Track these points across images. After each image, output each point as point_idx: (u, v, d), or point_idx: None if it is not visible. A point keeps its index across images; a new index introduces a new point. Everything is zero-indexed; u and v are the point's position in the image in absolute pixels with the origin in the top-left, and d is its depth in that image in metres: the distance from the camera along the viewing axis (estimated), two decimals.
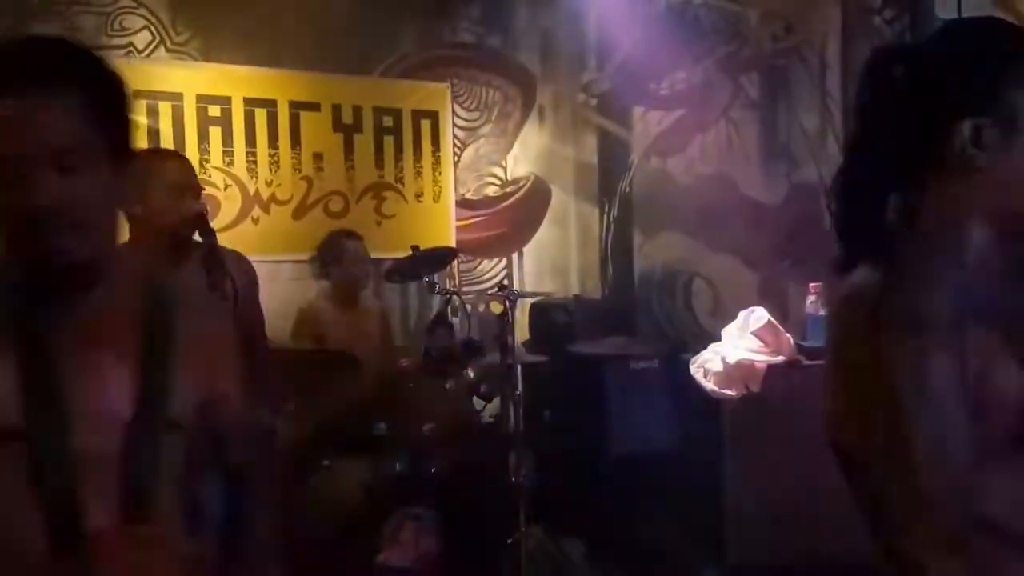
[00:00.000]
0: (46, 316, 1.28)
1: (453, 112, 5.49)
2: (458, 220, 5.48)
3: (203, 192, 2.96)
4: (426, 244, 5.21)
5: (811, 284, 3.85)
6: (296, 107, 5.01)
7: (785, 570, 3.32)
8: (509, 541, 3.53)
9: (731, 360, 3.49)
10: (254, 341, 2.93)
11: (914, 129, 1.26)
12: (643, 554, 3.90)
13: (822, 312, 3.63)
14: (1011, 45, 1.27)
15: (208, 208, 2.93)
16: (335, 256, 4.11)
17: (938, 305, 1.16)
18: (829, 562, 3.04)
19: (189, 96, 4.72)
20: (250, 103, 4.88)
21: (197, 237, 2.68)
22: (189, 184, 2.76)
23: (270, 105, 4.94)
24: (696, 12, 5.02)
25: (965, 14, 4.12)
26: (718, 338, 3.98)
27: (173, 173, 2.74)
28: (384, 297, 4.72)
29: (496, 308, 4.49)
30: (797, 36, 4.53)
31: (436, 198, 5.44)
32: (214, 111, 4.79)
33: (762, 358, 3.48)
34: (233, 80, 4.83)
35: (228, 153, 4.81)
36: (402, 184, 5.33)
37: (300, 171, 5.00)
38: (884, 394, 1.16)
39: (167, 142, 4.57)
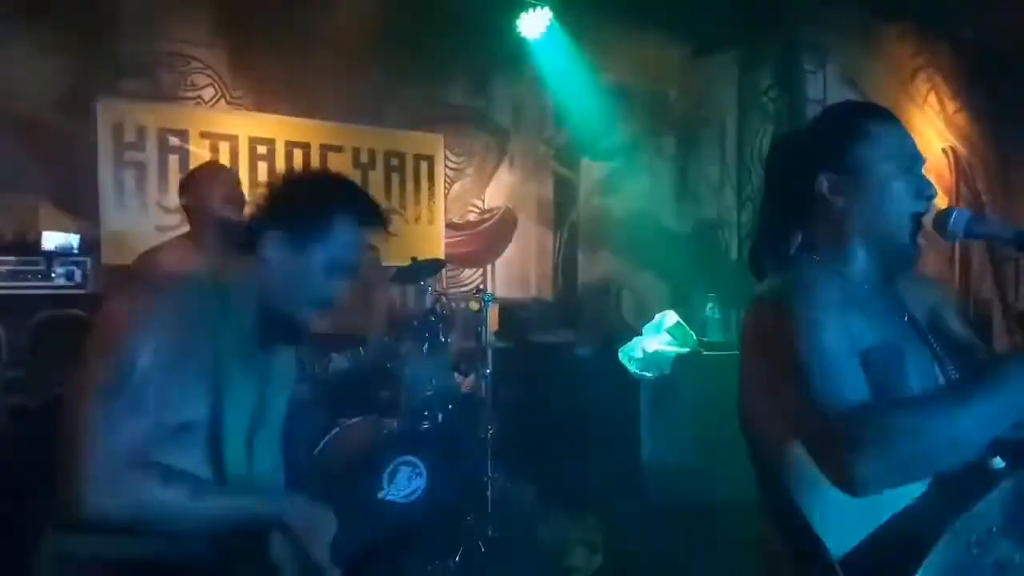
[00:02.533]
0: None
1: (445, 157, 5.48)
2: (446, 238, 5.46)
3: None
4: (422, 256, 5.24)
5: (710, 294, 3.89)
6: (325, 148, 4.98)
7: (689, 510, 3.28)
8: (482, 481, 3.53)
9: (649, 350, 3.48)
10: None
11: (795, 184, 1.28)
12: (580, 495, 3.89)
13: (717, 316, 3.66)
14: (854, 116, 1.28)
15: None
16: None
17: (831, 296, 1.15)
18: (724, 504, 2.97)
19: (243, 138, 4.67)
20: (290, 145, 4.85)
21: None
22: (237, 193, 2.75)
23: (305, 147, 4.91)
24: (629, 89, 5.06)
25: (828, 95, 4.22)
26: (640, 333, 4.00)
27: (226, 183, 2.75)
28: (392, 294, 4.69)
29: (474, 306, 4.51)
30: (704, 109, 4.58)
31: (430, 221, 5.43)
32: (261, 150, 4.75)
33: (672, 349, 3.48)
34: (276, 126, 4.79)
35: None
36: (404, 209, 5.31)
37: None
38: (790, 357, 1.10)
39: None
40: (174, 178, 4.42)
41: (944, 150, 4.89)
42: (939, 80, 4.79)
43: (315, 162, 4.90)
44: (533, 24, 4.69)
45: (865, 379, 1.08)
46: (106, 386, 1.18)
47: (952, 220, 1.25)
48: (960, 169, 4.98)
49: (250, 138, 4.69)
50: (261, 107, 4.73)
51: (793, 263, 1.28)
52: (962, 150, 5.00)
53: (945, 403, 1.06)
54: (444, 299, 4.05)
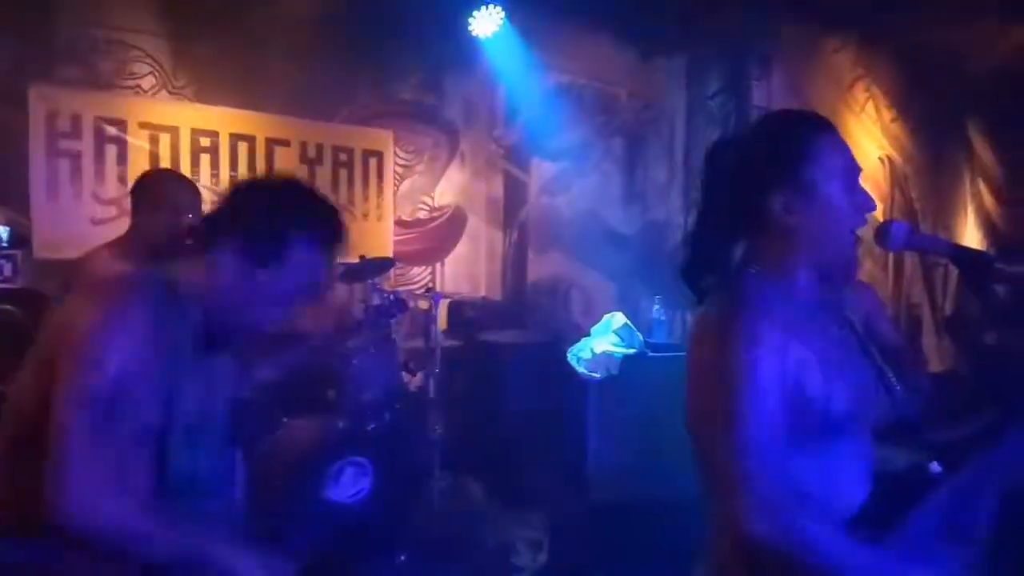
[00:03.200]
0: None
1: (395, 153, 5.44)
2: (395, 236, 5.42)
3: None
4: (371, 254, 5.18)
5: (656, 296, 3.95)
6: (271, 142, 4.88)
7: (633, 508, 3.31)
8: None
9: (597, 351, 3.51)
10: None
11: (738, 198, 1.28)
12: (526, 494, 3.90)
13: (663, 317, 3.72)
14: (805, 131, 1.27)
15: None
16: None
17: (769, 329, 1.17)
18: (668, 501, 2.95)
19: (185, 129, 4.55)
20: (234, 137, 4.74)
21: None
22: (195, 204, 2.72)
23: (250, 140, 4.81)
24: (580, 90, 5.11)
25: (773, 102, 4.34)
26: (588, 332, 4.03)
27: (185, 193, 2.69)
28: (340, 292, 4.64)
29: (423, 305, 4.49)
30: (653, 112, 4.65)
31: (379, 218, 5.38)
32: (204, 142, 4.63)
33: (620, 350, 3.52)
34: (220, 119, 4.68)
35: (215, 175, 4.66)
36: (353, 206, 5.25)
37: None
38: (724, 393, 1.15)
39: (165, 164, 4.43)
40: (111, 169, 4.29)
41: (880, 158, 5.09)
42: (877, 90, 4.97)
43: (260, 156, 4.82)
44: (485, 23, 4.69)
45: (787, 424, 1.15)
46: (92, 397, 1.15)
47: (892, 233, 1.31)
48: (895, 177, 5.18)
49: (192, 130, 4.57)
50: (204, 98, 4.61)
51: (735, 277, 1.28)
52: (897, 158, 5.21)
53: (839, 558, 1.12)
54: (392, 298, 4.01)
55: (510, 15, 4.52)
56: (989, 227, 6.41)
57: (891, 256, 5.20)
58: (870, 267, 4.79)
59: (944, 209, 5.74)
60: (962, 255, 1.32)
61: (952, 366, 5.36)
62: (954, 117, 5.78)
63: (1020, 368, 1.48)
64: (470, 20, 4.73)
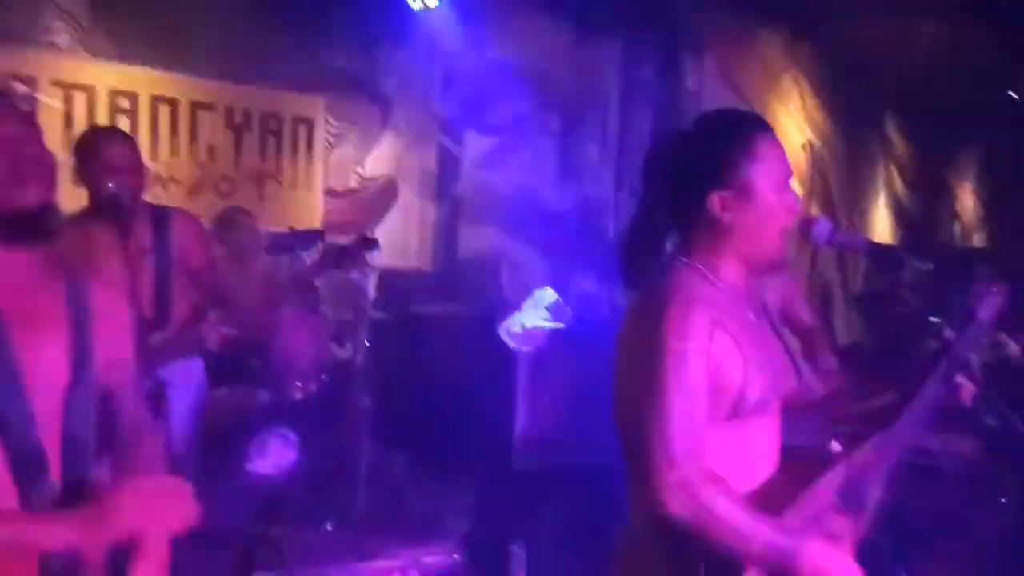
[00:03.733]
0: None
1: (326, 121, 5.34)
2: (326, 206, 5.34)
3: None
4: (299, 224, 5.10)
5: (587, 273, 4.02)
6: (196, 106, 4.72)
7: (559, 474, 3.37)
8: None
9: (528, 325, 3.56)
10: (202, 281, 2.90)
11: (677, 195, 1.34)
12: (453, 464, 3.94)
13: (593, 293, 3.80)
14: (743, 132, 1.33)
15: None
16: (229, 227, 3.99)
17: (697, 320, 1.23)
18: (592, 468, 3.07)
19: (102, 89, 4.35)
20: (156, 100, 4.56)
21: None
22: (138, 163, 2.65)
23: (173, 103, 4.64)
24: (516, 64, 5.09)
25: (705, 87, 4.44)
26: (519, 307, 4.08)
27: (123, 154, 2.59)
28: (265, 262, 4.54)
29: (354, 276, 4.45)
30: (588, 91, 4.69)
31: (308, 187, 5.27)
32: (123, 103, 4.45)
33: (549, 325, 3.58)
34: (141, 80, 4.49)
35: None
36: (281, 174, 5.14)
37: (196, 158, 4.74)
38: (652, 381, 1.21)
39: (80, 126, 4.22)
40: None
41: (803, 145, 5.29)
42: (803, 79, 5.15)
43: (184, 120, 4.65)
44: None
45: (711, 413, 1.24)
46: None
47: (816, 230, 1.41)
48: (816, 163, 5.40)
49: (110, 90, 4.37)
50: (124, 57, 4.41)
51: (668, 268, 1.34)
52: (819, 145, 5.42)
53: (753, 534, 1.20)
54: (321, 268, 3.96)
55: None
56: (899, 211, 6.76)
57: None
58: (789, 248, 4.99)
59: (859, 194, 6.02)
60: (877, 252, 1.43)
61: (859, 339, 5.67)
62: (873, 108, 6.05)
63: (917, 356, 1.58)
64: None
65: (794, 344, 1.56)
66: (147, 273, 2.63)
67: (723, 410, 1.27)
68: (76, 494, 1.16)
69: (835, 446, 1.49)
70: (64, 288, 1.23)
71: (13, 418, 1.11)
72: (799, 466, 1.41)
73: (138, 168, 2.68)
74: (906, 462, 1.55)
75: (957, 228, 7.45)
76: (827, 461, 1.41)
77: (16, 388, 1.12)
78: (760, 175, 1.29)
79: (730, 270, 1.34)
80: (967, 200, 7.39)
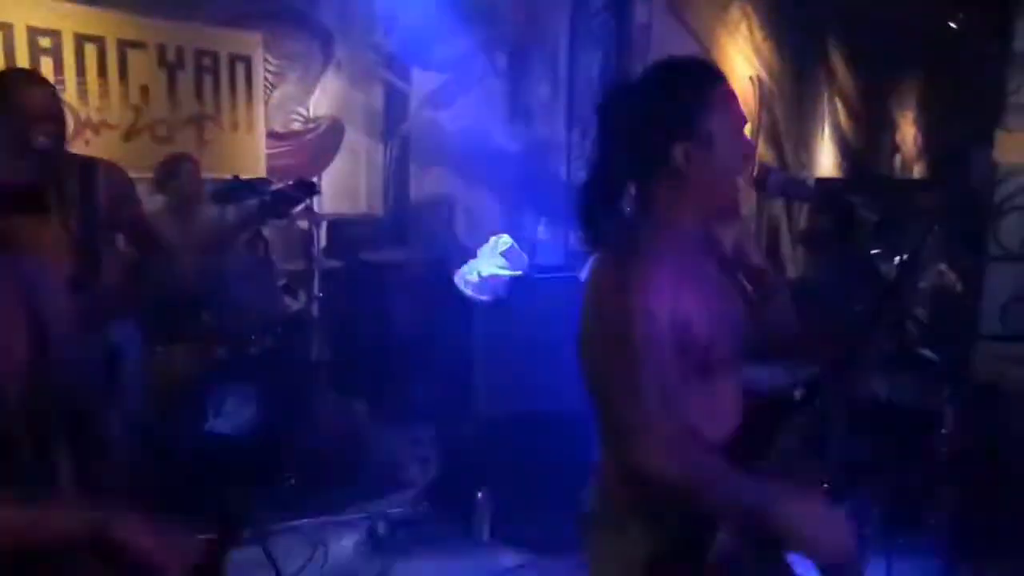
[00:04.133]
0: None
1: (264, 59, 5.09)
2: (268, 149, 5.14)
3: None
4: (241, 168, 4.87)
5: (542, 217, 4.01)
6: (124, 45, 4.43)
7: (520, 421, 3.39)
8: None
9: (484, 273, 3.53)
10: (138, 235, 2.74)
11: (639, 147, 1.31)
12: (414, 411, 3.98)
13: (548, 238, 3.79)
14: (704, 82, 1.31)
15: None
16: (171, 175, 3.82)
17: (661, 278, 1.22)
18: (553, 412, 3.17)
19: (20, 27, 4.04)
20: (80, 38, 4.26)
21: None
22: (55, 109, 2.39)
23: (99, 41, 4.34)
24: None
25: (654, 21, 4.36)
26: (474, 251, 4.02)
27: (45, 100, 2.37)
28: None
29: (302, 224, 4.35)
30: (536, 27, 4.56)
31: (249, 130, 5.07)
32: (44, 43, 4.14)
33: (506, 272, 3.56)
34: (63, 16, 4.18)
35: (59, 82, 4.18)
36: (220, 116, 4.92)
37: (128, 100, 4.48)
38: (620, 342, 1.20)
39: None
40: None
41: (751, 78, 5.28)
42: (751, 10, 5.10)
43: (112, 60, 4.37)
44: None
45: (683, 370, 1.24)
46: None
47: (769, 182, 1.41)
48: (763, 97, 5.41)
49: (29, 28, 4.06)
50: None
51: (630, 224, 1.34)
52: (766, 79, 5.42)
53: (732, 488, 1.19)
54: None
55: None
56: (843, 143, 6.88)
57: (755, 171, 5.48)
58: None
59: (804, 127, 6.09)
60: (827, 201, 1.44)
61: (804, 274, 5.84)
62: (818, 40, 6.05)
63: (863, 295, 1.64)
64: None
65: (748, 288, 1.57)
66: (74, 231, 2.44)
67: (690, 367, 1.28)
68: (42, 471, 1.17)
69: (796, 394, 1.54)
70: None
71: None
72: (763, 415, 1.43)
73: (61, 116, 2.46)
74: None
75: (898, 160, 7.62)
76: (788, 410, 1.45)
77: None
78: (721, 125, 1.29)
79: (689, 220, 1.34)
80: (908, 131, 7.55)
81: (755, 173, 1.52)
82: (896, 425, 2.33)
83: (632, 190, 1.35)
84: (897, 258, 1.62)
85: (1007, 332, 2.77)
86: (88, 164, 2.54)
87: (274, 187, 3.39)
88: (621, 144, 1.33)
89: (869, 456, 2.09)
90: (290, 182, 3.30)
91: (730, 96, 1.33)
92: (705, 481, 1.19)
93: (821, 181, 6.23)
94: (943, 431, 2.35)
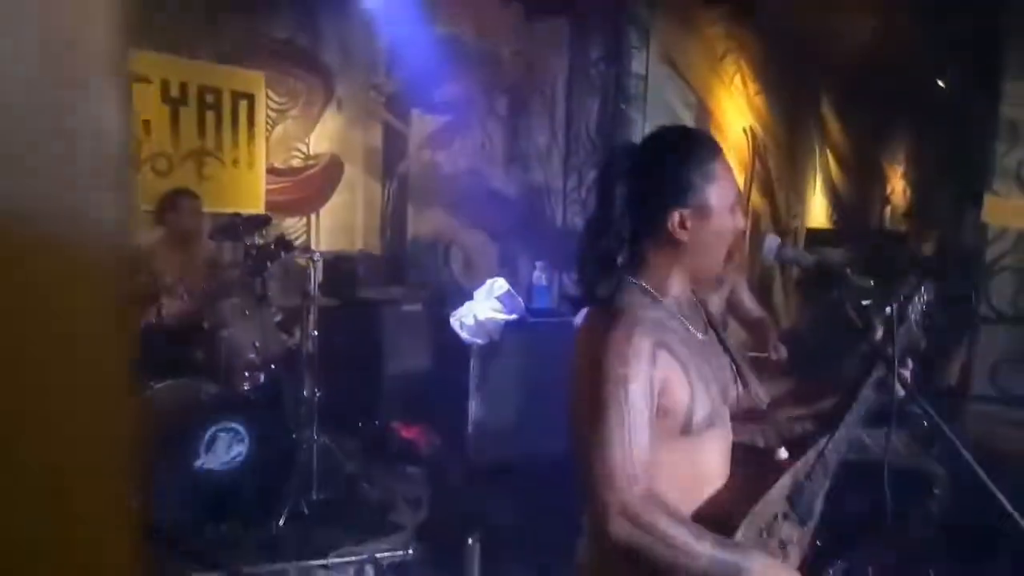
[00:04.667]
0: None
1: (267, 96, 5.17)
2: (268, 184, 5.20)
3: None
4: (240, 203, 4.97)
5: (537, 261, 4.03)
6: (130, 79, 4.50)
7: (511, 467, 3.41)
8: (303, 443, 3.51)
9: (481, 317, 3.54)
10: None
11: (637, 210, 1.35)
12: (405, 453, 3.96)
13: (544, 282, 3.81)
14: (704, 155, 1.36)
15: None
16: (172, 208, 3.86)
17: (640, 344, 1.25)
18: (543, 460, 3.11)
19: None
20: None
21: None
22: None
23: None
24: (463, 43, 5.02)
25: (650, 72, 4.45)
26: (469, 290, 4.04)
27: None
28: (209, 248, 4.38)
29: (301, 262, 4.36)
30: (535, 74, 4.65)
31: (250, 165, 5.12)
32: None
33: (501, 316, 3.57)
34: None
35: None
36: (221, 151, 4.97)
37: (131, 134, 4.53)
38: (597, 401, 1.24)
39: None
40: None
41: (744, 129, 5.39)
42: (744, 64, 5.22)
43: None
44: None
45: (661, 433, 1.27)
46: None
47: (765, 248, 1.45)
48: (756, 148, 5.51)
49: None
50: None
51: (618, 285, 1.37)
52: (759, 130, 5.54)
53: (693, 550, 1.23)
54: (272, 242, 3.83)
55: None
56: (833, 193, 7.00)
57: (748, 221, 5.57)
58: None
59: (796, 177, 6.20)
60: (822, 268, 1.48)
61: (797, 323, 5.89)
62: (811, 93, 6.20)
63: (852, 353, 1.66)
64: None
65: (741, 344, 1.61)
66: None
67: (673, 429, 1.32)
68: None
69: (782, 453, 1.56)
70: None
71: None
72: (748, 476, 1.46)
73: None
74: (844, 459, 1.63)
75: (888, 211, 7.76)
76: (774, 469, 1.47)
77: None
78: (716, 195, 1.35)
79: (677, 285, 1.39)
80: (898, 184, 7.69)
81: (747, 232, 1.56)
82: (888, 483, 2.34)
83: (626, 251, 1.38)
84: (888, 309, 1.65)
85: (997, 393, 2.80)
86: None
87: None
88: (620, 205, 1.37)
89: (860, 515, 2.09)
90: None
91: (726, 170, 1.38)
92: (667, 546, 1.21)
93: (812, 232, 6.33)
94: (936, 491, 2.37)
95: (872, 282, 1.50)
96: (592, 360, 1.27)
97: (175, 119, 4.73)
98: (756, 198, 5.61)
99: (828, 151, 6.77)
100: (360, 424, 4.00)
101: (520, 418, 3.38)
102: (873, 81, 5.85)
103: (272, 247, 3.66)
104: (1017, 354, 2.84)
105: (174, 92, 4.72)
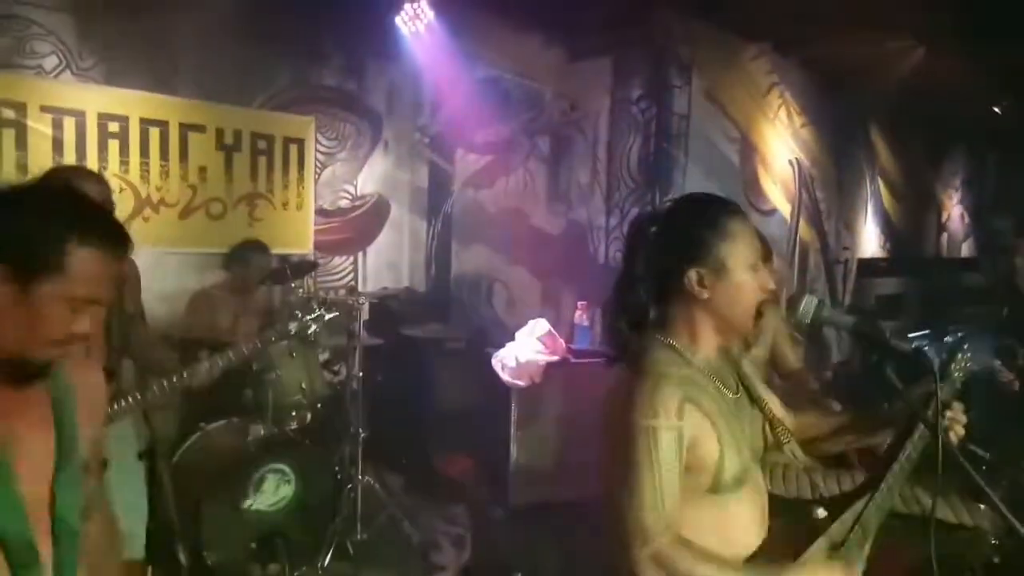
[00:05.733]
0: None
1: (316, 140, 5.33)
2: (316, 225, 5.35)
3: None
4: (290, 243, 5.11)
5: (579, 301, 4.02)
6: (185, 128, 4.71)
7: (551, 507, 3.39)
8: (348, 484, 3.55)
9: (522, 359, 3.54)
10: (136, 324, 2.74)
11: (660, 270, 1.39)
12: (448, 493, 3.97)
13: (586, 323, 3.79)
14: (720, 214, 1.38)
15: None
16: (240, 260, 3.99)
17: (668, 398, 1.28)
18: (583, 504, 3.12)
19: (91, 114, 4.33)
20: (145, 122, 4.54)
21: None
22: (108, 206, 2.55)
23: (163, 125, 4.62)
24: (506, 84, 5.10)
25: (693, 109, 4.45)
26: (511, 327, 4.05)
27: (93, 193, 2.52)
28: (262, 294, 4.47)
29: (347, 301, 4.44)
30: (578, 113, 4.69)
31: (299, 207, 5.28)
32: (113, 127, 4.42)
33: (543, 358, 3.56)
34: (130, 102, 4.47)
35: (124, 162, 4.47)
36: (272, 194, 5.13)
37: (187, 180, 4.72)
38: (627, 455, 1.27)
39: (70, 151, 4.22)
40: (8, 156, 4.05)
41: (790, 161, 5.32)
42: (789, 97, 5.18)
43: (174, 142, 4.63)
44: (412, 21, 4.61)
45: (683, 483, 1.28)
46: None
47: (801, 310, 1.45)
48: (803, 179, 5.44)
49: (99, 114, 4.36)
50: (113, 80, 4.39)
51: (646, 342, 1.39)
52: (805, 161, 5.46)
53: None
54: (315, 298, 3.93)
55: (438, 12, 4.45)
56: (886, 223, 6.83)
57: (796, 253, 5.48)
58: (779, 264, 5.05)
59: (846, 207, 6.08)
60: (861, 331, 1.45)
61: (848, 357, 5.73)
62: (858, 123, 6.10)
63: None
64: (397, 15, 4.62)
65: (776, 401, 1.59)
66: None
67: (702, 485, 1.32)
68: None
69: (820, 512, 1.53)
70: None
71: (6, 510, 1.14)
72: (786, 536, 1.44)
73: (112, 210, 2.57)
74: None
75: (945, 239, 7.54)
76: (813, 529, 1.44)
77: (5, 477, 1.13)
78: (731, 253, 1.37)
79: (706, 343, 1.40)
80: (954, 211, 7.49)
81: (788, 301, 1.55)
82: (940, 536, 2.24)
83: (654, 311, 1.41)
84: (938, 360, 1.60)
85: None
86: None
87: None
88: (643, 266, 1.41)
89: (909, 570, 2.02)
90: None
91: (742, 228, 1.39)
92: None
93: (864, 262, 6.18)
94: (993, 541, 2.27)
95: (911, 346, 1.47)
96: (621, 415, 1.29)
97: (229, 165, 4.91)
98: (804, 229, 5.52)
99: (879, 179, 6.63)
100: (404, 462, 4.02)
101: (560, 458, 3.35)
102: (924, 106, 5.73)
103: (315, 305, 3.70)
104: None
105: (228, 139, 4.91)
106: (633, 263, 1.43)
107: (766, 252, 1.66)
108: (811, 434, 1.66)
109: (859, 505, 1.53)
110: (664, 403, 1.27)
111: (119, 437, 2.54)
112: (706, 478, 1.31)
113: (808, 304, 1.46)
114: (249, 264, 3.96)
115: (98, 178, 2.62)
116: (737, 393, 1.46)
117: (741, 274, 1.36)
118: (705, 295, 1.36)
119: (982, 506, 2.25)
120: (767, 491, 1.50)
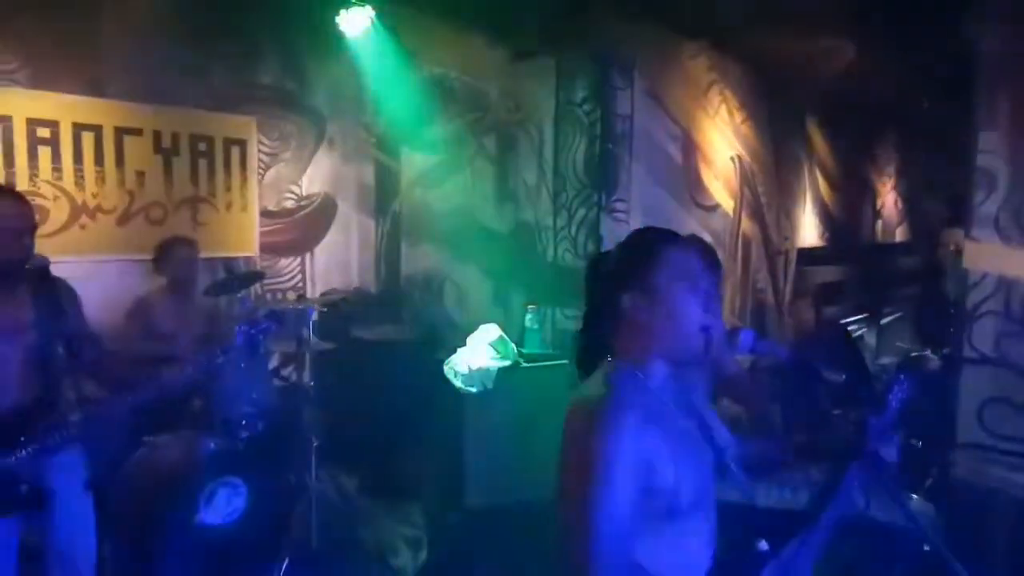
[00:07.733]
0: None
1: (258, 140, 5.23)
2: (261, 227, 5.26)
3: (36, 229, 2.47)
4: (234, 247, 5.02)
5: (528, 304, 4.05)
6: (121, 132, 4.56)
7: (505, 509, 3.43)
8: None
9: (474, 366, 3.57)
10: (84, 343, 2.64)
11: (602, 299, 1.46)
12: (404, 496, 3.97)
13: (535, 326, 3.83)
14: (656, 243, 1.46)
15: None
16: (167, 257, 3.90)
17: (625, 421, 1.30)
18: (537, 504, 3.09)
19: (19, 119, 4.17)
20: (78, 127, 4.39)
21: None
22: (28, 226, 2.46)
23: (96, 129, 4.47)
24: (451, 83, 5.07)
25: (636, 110, 4.49)
26: (463, 325, 4.03)
27: (12, 216, 2.42)
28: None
29: (295, 304, 4.39)
30: (523, 113, 4.69)
31: (243, 209, 5.18)
32: (43, 132, 4.27)
33: (495, 364, 3.60)
34: (61, 107, 4.31)
35: (57, 169, 4.32)
36: (214, 197, 5.03)
37: (124, 185, 4.59)
38: (580, 482, 1.29)
39: None
40: None
41: (732, 158, 5.44)
42: (729, 94, 5.28)
43: (109, 147, 4.49)
44: (354, 22, 4.54)
45: (637, 510, 1.31)
46: None
47: (741, 340, 1.50)
48: (744, 175, 5.57)
49: (28, 119, 4.19)
50: (40, 83, 4.22)
51: (607, 369, 1.45)
52: (746, 157, 5.59)
53: None
54: (264, 317, 3.86)
55: (380, 12, 4.40)
56: (824, 212, 7.04)
57: (739, 246, 5.62)
58: (723, 257, 5.17)
59: (786, 200, 6.24)
60: (796, 363, 1.52)
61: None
62: (796, 118, 6.26)
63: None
64: (337, 18, 4.55)
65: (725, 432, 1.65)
66: (29, 352, 2.39)
67: (655, 512, 1.35)
68: None
69: (763, 546, 1.59)
70: None
71: None
72: (729, 568, 1.50)
73: (31, 228, 2.42)
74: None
75: (880, 225, 7.81)
76: (756, 561, 1.51)
77: None
78: (666, 279, 1.41)
79: (657, 368, 1.45)
80: (888, 198, 7.76)
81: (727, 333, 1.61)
82: (875, 538, 2.36)
83: (612, 339, 1.46)
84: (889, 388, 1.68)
85: (984, 434, 2.83)
86: (44, 276, 2.45)
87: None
88: (594, 297, 1.50)
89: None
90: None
91: (679, 256, 1.44)
92: None
93: (803, 251, 6.38)
94: (925, 548, 2.38)
95: (843, 376, 1.54)
96: (578, 438, 1.32)
97: (168, 168, 4.78)
98: (746, 223, 5.65)
99: (816, 169, 6.83)
100: (358, 466, 4.02)
101: (514, 460, 3.40)
102: (856, 97, 5.91)
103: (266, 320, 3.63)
104: (1001, 396, 2.88)
105: (166, 143, 4.78)
106: (591, 294, 1.51)
107: (713, 277, 1.71)
108: (757, 460, 1.72)
109: (803, 534, 1.59)
110: (622, 429, 1.29)
111: (64, 467, 2.50)
112: (661, 503, 1.34)
113: (746, 337, 1.52)
114: (178, 260, 3.88)
115: (20, 197, 2.49)
116: (691, 418, 1.51)
117: (673, 297, 1.40)
118: (642, 318, 1.40)
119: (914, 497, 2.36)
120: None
